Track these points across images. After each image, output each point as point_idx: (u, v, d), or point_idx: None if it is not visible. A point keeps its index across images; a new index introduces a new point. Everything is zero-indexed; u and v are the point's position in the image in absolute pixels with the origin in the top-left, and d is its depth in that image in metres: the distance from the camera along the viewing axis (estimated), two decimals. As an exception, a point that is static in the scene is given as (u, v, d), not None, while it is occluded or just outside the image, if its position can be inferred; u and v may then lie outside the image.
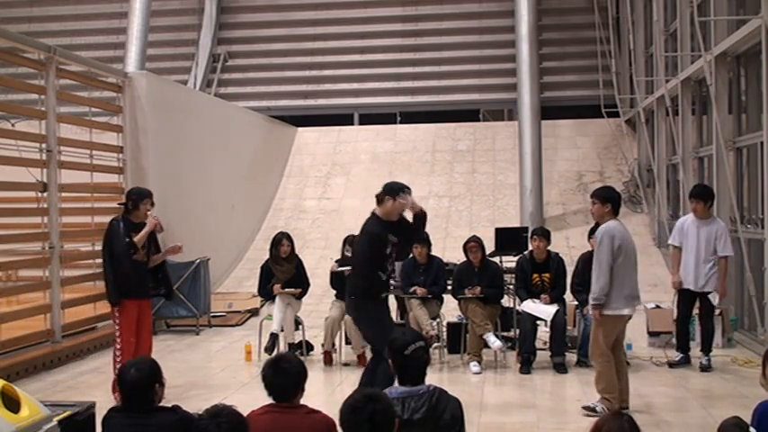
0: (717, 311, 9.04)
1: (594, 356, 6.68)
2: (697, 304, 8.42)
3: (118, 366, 6.79)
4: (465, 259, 8.80)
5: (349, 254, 9.03)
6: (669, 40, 13.46)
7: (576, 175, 16.51)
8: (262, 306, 10.76)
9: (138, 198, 7.27)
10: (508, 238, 9.76)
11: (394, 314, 9.96)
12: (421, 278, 8.82)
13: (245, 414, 3.43)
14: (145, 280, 7.28)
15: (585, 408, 6.63)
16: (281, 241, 9.23)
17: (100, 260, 10.76)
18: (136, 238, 7.12)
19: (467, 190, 16.39)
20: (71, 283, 10.01)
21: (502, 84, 18.23)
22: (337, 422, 3.81)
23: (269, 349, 8.67)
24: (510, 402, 7.00)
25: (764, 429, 3.79)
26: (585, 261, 8.58)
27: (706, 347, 8.25)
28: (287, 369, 3.80)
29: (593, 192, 6.84)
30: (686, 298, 8.39)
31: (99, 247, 10.67)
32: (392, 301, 10.05)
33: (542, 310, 8.42)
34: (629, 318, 6.71)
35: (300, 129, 18.54)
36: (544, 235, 8.73)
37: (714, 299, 8.26)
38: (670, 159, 13.51)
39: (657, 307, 9.42)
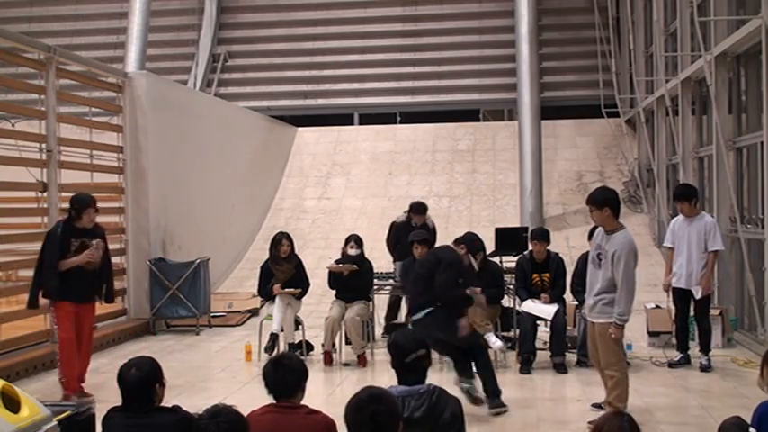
0: (716, 311, 9.07)
1: (612, 365, 6.30)
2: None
3: (59, 364, 7.13)
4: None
5: (352, 251, 9.04)
6: (669, 40, 13.46)
7: (576, 175, 16.51)
8: (262, 306, 10.76)
9: (81, 207, 7.22)
10: (508, 238, 9.76)
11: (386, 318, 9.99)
12: (421, 278, 8.80)
13: (245, 414, 3.42)
14: (85, 286, 7.23)
15: (595, 405, 6.62)
16: (281, 241, 9.22)
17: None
18: (62, 263, 7.06)
19: (467, 190, 16.39)
20: (71, 283, 10.00)
21: (502, 84, 18.24)
22: (339, 421, 3.83)
23: (269, 349, 8.68)
24: (510, 402, 6.99)
25: (765, 429, 3.79)
26: (585, 261, 8.56)
27: (704, 347, 8.27)
28: (288, 365, 3.81)
29: (587, 198, 6.43)
30: (681, 296, 8.41)
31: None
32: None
33: (542, 309, 8.42)
34: None
35: (300, 129, 18.55)
36: (543, 237, 8.71)
37: (696, 293, 8.25)
38: (670, 159, 13.51)
39: (657, 307, 9.42)
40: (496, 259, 9.18)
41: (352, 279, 8.97)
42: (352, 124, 19.30)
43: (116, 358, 8.67)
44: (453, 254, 7.06)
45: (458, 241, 7.74)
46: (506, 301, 9.11)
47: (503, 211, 15.65)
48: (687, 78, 11.69)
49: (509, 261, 9.34)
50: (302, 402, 3.83)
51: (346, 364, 8.75)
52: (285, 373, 3.78)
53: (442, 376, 8.14)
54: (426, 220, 9.98)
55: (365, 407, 3.20)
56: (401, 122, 19.15)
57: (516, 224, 14.04)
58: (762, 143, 8.88)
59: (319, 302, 11.04)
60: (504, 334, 8.96)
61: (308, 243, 14.73)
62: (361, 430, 3.20)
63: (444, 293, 6.70)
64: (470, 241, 7.81)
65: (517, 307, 8.75)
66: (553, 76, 18.51)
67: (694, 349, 8.46)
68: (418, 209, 9.87)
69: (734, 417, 3.78)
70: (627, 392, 6.35)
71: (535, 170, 15.10)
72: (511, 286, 8.97)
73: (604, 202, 6.21)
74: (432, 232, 10.00)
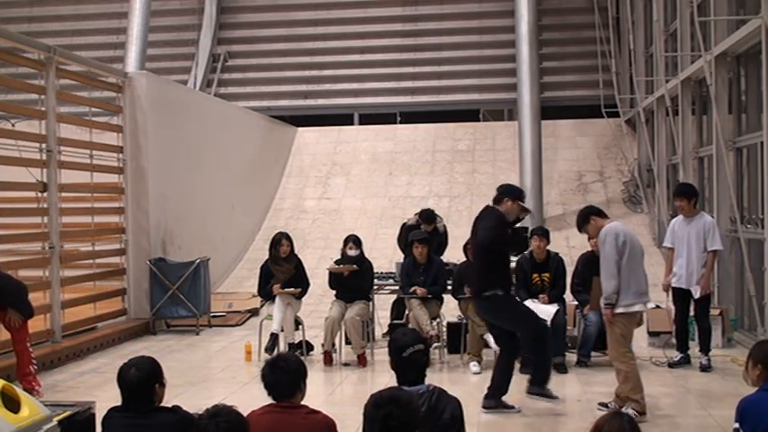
0: (716, 311, 9.06)
1: (617, 357, 6.53)
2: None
3: None
4: (465, 259, 8.80)
5: (351, 252, 9.04)
6: (669, 40, 13.45)
7: (576, 175, 16.51)
8: (262, 306, 10.76)
9: None
10: (508, 238, 9.73)
11: (390, 315, 9.97)
12: (421, 278, 8.82)
13: (245, 414, 3.42)
14: None
15: (601, 404, 6.67)
16: (281, 241, 9.23)
17: (100, 260, 10.89)
18: None
19: (467, 190, 16.39)
20: (71, 283, 10.02)
21: (502, 84, 18.24)
22: (339, 420, 3.83)
23: (269, 349, 8.67)
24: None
25: (748, 423, 3.84)
26: (585, 261, 8.60)
27: (704, 347, 8.27)
28: (284, 367, 3.80)
29: (577, 226, 6.90)
30: (680, 296, 8.41)
31: (99, 247, 10.79)
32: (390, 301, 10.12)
33: (542, 310, 8.40)
34: (641, 314, 6.74)
35: (300, 129, 18.54)
36: (544, 234, 8.74)
37: (695, 292, 8.26)
38: (670, 159, 13.51)
39: (657, 307, 9.41)
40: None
41: (352, 279, 8.97)
42: (352, 124, 19.29)
43: (116, 358, 8.68)
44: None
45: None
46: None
47: (503, 211, 15.60)
48: (687, 78, 11.69)
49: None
50: (302, 402, 3.83)
51: (346, 364, 8.75)
52: (282, 375, 3.78)
53: (441, 376, 8.17)
54: (437, 224, 9.97)
55: (382, 405, 3.21)
56: (401, 122, 19.14)
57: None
58: (762, 143, 8.88)
59: (319, 302, 11.05)
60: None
61: (308, 243, 14.73)
62: (372, 426, 3.22)
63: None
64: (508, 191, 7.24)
65: (517, 307, 8.73)
66: (553, 76, 18.51)
67: (694, 349, 8.46)
68: (427, 218, 9.81)
69: None
70: (640, 384, 6.45)
71: (535, 170, 15.10)
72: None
73: (588, 215, 6.73)
74: (443, 236, 10.02)
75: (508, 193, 6.91)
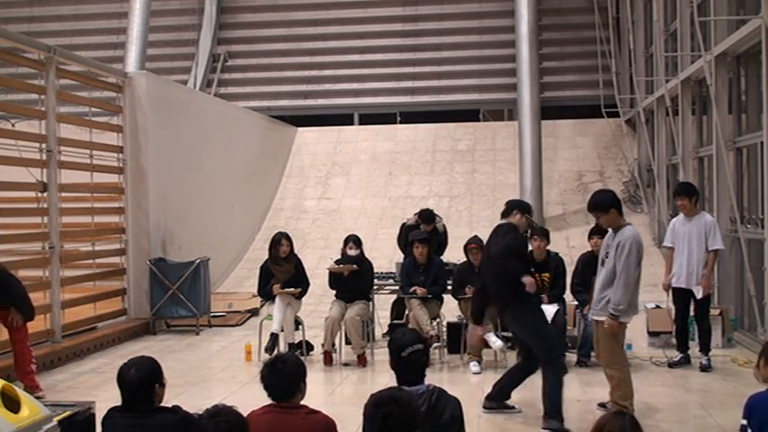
0: (716, 311, 9.06)
1: (611, 364, 6.46)
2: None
3: None
4: (465, 259, 8.80)
5: (351, 252, 9.04)
6: (669, 40, 13.46)
7: (576, 175, 16.51)
8: (262, 306, 10.77)
9: None
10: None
11: (390, 315, 9.97)
12: (421, 278, 8.82)
13: (245, 414, 3.43)
14: None
15: (601, 405, 6.66)
16: (281, 241, 9.23)
17: (100, 260, 10.90)
18: None
19: (467, 190, 16.39)
20: (71, 283, 10.02)
21: (502, 84, 18.24)
22: (339, 420, 3.83)
23: (269, 349, 8.67)
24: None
25: (756, 420, 3.87)
26: (585, 261, 8.59)
27: (704, 347, 8.27)
28: (282, 369, 3.80)
29: (589, 206, 6.62)
30: (681, 296, 8.40)
31: (99, 247, 10.79)
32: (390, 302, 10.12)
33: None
34: None
35: (300, 129, 18.55)
36: (544, 235, 8.73)
37: (697, 293, 8.25)
38: (670, 159, 13.51)
39: (657, 307, 9.42)
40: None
41: (352, 279, 8.97)
42: (352, 124, 19.30)
43: (116, 358, 8.68)
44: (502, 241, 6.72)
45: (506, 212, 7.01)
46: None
47: (503, 211, 15.60)
48: (687, 78, 11.69)
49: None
50: (302, 402, 3.83)
51: (346, 364, 8.75)
52: (280, 377, 3.78)
53: (441, 376, 8.17)
54: (437, 224, 9.98)
55: (382, 405, 3.22)
56: (401, 122, 19.14)
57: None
58: (762, 143, 8.88)
59: (319, 302, 11.05)
60: (505, 334, 8.93)
61: (307, 243, 14.73)
62: (372, 425, 3.23)
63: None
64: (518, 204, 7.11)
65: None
66: (553, 76, 18.51)
67: (694, 349, 8.46)
68: (426, 218, 9.81)
69: None
70: (631, 391, 6.42)
71: (535, 170, 15.10)
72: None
73: (610, 205, 6.40)
74: (443, 236, 10.03)
75: (517, 206, 6.90)
